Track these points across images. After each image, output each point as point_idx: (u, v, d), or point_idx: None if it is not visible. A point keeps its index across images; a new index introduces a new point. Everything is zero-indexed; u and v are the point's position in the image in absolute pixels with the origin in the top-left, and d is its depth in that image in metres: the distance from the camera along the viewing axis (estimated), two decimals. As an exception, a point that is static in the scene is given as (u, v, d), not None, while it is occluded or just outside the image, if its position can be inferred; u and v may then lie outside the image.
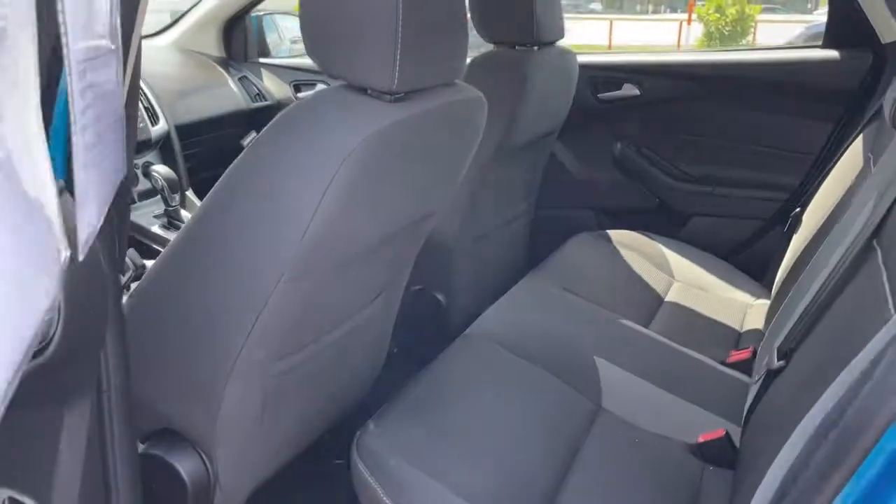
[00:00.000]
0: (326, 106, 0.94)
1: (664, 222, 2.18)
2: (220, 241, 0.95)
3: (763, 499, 0.81)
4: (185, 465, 1.06)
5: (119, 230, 0.83)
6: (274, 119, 0.94)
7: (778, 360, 1.15)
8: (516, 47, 1.73)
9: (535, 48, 1.75)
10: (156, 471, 1.05)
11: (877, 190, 1.16)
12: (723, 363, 1.56)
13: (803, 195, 1.92)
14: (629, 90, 2.12)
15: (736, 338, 1.72)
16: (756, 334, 1.69)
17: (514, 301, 1.64)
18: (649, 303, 1.80)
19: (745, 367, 1.54)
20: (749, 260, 2.07)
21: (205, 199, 0.96)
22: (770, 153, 2.01)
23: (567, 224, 2.27)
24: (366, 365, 1.41)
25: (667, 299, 1.84)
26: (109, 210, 0.68)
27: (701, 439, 1.27)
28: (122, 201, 0.83)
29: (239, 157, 0.94)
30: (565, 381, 1.34)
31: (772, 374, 1.17)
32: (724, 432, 1.26)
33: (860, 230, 1.10)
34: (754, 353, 1.57)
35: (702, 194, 2.09)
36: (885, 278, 0.90)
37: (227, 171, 0.95)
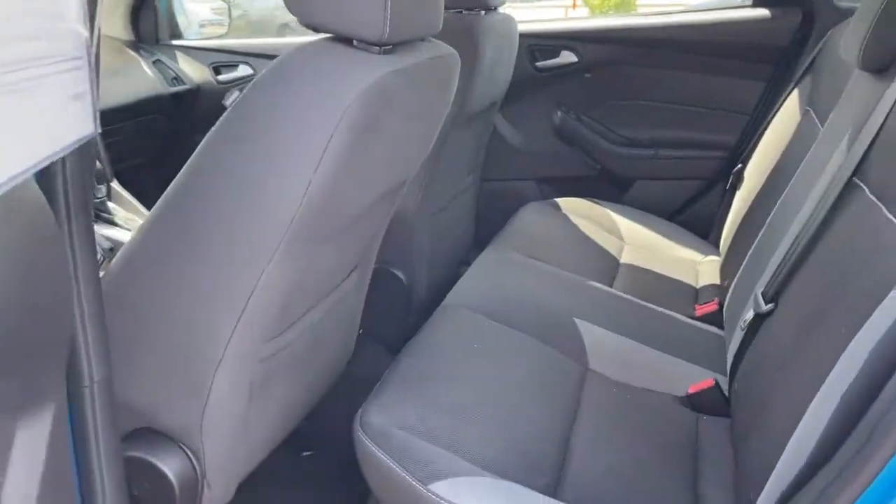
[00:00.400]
0: (321, 58, 0.86)
1: (608, 188, 2.20)
2: (210, 207, 0.86)
3: (791, 461, 0.80)
4: (171, 466, 0.96)
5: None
6: (263, 74, 0.86)
7: (766, 304, 1.16)
8: (463, 12, 1.68)
9: (483, 13, 1.71)
10: (139, 474, 0.95)
11: (847, 132, 1.19)
12: (692, 317, 1.59)
13: (742, 152, 1.97)
14: (567, 57, 2.12)
15: (693, 294, 1.75)
16: (713, 289, 1.73)
17: (484, 270, 1.60)
18: (607, 266, 1.80)
19: (713, 319, 1.57)
20: (693, 219, 2.11)
21: (187, 166, 0.87)
22: (707, 113, 2.05)
23: (511, 196, 2.25)
24: (339, 347, 1.34)
25: (622, 261, 1.86)
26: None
27: (691, 390, 1.27)
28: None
29: (225, 115, 0.85)
30: (550, 346, 1.32)
31: (759, 319, 1.19)
32: (713, 381, 1.27)
33: (837, 170, 1.12)
34: (720, 305, 1.60)
35: (643, 158, 2.12)
36: (886, 211, 0.91)
37: (211, 132, 0.85)
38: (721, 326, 1.52)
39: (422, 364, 1.18)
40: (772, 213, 1.44)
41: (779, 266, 1.18)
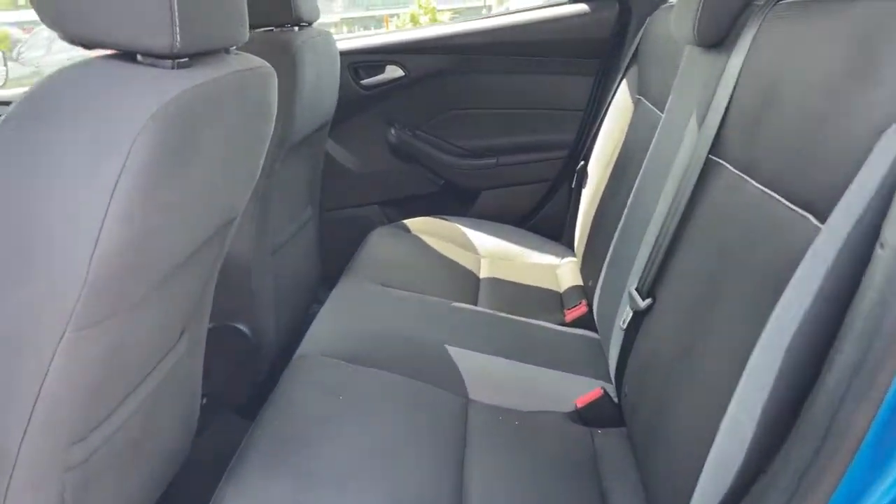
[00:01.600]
0: (93, 81, 0.68)
1: (455, 202, 2.11)
2: None
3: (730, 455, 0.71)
4: None
5: None
6: (12, 109, 0.66)
7: (643, 299, 1.10)
8: (274, 29, 1.53)
9: (296, 28, 1.56)
10: None
11: (692, 111, 1.16)
12: (563, 324, 1.51)
13: (582, 149, 1.95)
14: (393, 72, 2.01)
15: (559, 299, 1.69)
16: (577, 291, 1.67)
17: (337, 308, 1.44)
18: (468, 283, 1.70)
19: (584, 322, 1.50)
20: (544, 223, 2.07)
21: None
22: (542, 114, 2.02)
23: (355, 223, 2.11)
24: (180, 424, 1.13)
25: (482, 276, 1.76)
26: None
27: (579, 404, 1.18)
28: None
29: None
30: (424, 381, 1.18)
31: (639, 317, 1.12)
32: (601, 391, 1.19)
33: (693, 152, 1.08)
34: (589, 307, 1.54)
35: (485, 167, 2.05)
36: (757, 184, 0.86)
37: None
38: (594, 329, 1.46)
39: (282, 429, 1.01)
40: (627, 207, 1.40)
41: (649, 259, 1.12)
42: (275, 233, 1.58)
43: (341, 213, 2.12)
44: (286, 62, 1.43)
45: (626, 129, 1.70)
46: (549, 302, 1.66)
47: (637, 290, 1.13)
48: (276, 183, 1.50)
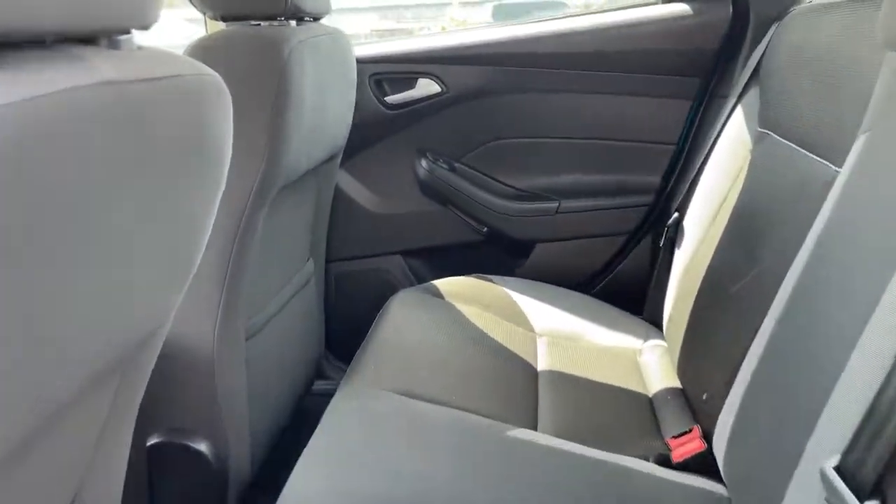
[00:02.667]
0: None
1: (501, 257, 1.64)
2: None
3: None
4: None
5: None
6: None
7: (865, 502, 0.61)
8: (261, 24, 1.08)
9: (292, 23, 1.11)
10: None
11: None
12: (667, 463, 1.03)
13: (672, 196, 1.48)
14: (427, 87, 1.55)
15: (648, 405, 1.22)
16: (677, 401, 1.19)
17: (337, 442, 0.97)
18: (523, 383, 1.23)
19: (702, 463, 1.02)
20: (615, 289, 1.59)
21: None
22: (619, 148, 1.55)
23: (370, 279, 1.66)
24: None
25: (540, 367, 1.29)
26: None
27: None
28: None
29: None
30: None
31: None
32: None
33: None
34: (705, 438, 1.05)
35: (542, 213, 1.57)
36: None
37: None
38: (717, 475, 0.98)
39: None
40: (783, 311, 0.91)
41: (865, 425, 0.64)
42: (253, 309, 1.12)
43: (354, 266, 1.66)
44: (273, 67, 0.97)
45: (743, 174, 1.23)
46: (637, 415, 1.18)
47: (841, 471, 0.65)
48: (254, 239, 1.04)
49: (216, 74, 0.55)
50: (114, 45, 0.47)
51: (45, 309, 0.40)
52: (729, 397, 0.97)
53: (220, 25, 1.31)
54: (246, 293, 1.07)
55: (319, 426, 1.01)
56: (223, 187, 0.60)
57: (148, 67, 0.46)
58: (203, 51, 0.98)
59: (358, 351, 1.26)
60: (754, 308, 0.99)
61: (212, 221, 0.61)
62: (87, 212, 0.41)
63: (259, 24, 1.08)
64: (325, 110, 1.17)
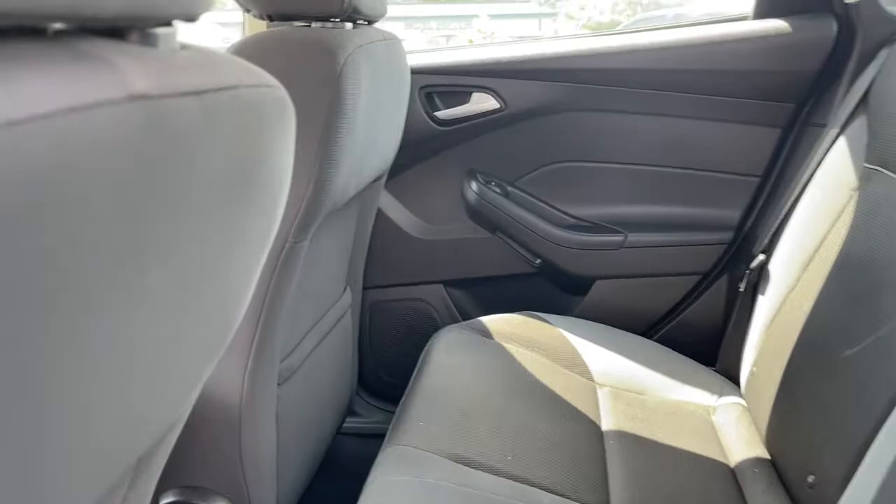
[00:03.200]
0: None
1: (553, 293, 1.49)
2: None
3: None
4: None
5: None
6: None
7: None
8: (312, 24, 0.94)
9: (349, 25, 0.97)
10: None
11: None
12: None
13: (754, 235, 1.32)
14: (482, 102, 1.41)
15: (730, 477, 1.06)
16: (762, 470, 1.04)
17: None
18: (588, 446, 1.07)
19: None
20: (684, 335, 1.43)
21: None
22: (695, 178, 1.39)
23: (409, 310, 1.51)
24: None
25: (605, 426, 1.13)
26: None
27: None
28: None
29: None
30: None
31: None
32: None
33: None
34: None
35: (605, 247, 1.42)
36: None
37: None
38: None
39: None
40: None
41: None
42: (286, 349, 0.98)
43: (389, 293, 1.51)
44: (328, 76, 0.83)
45: (847, 215, 1.07)
46: (720, 490, 1.02)
47: None
48: (293, 273, 0.89)
49: (279, 86, 0.41)
50: (148, 40, 0.33)
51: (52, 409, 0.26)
52: (850, 490, 0.81)
53: (261, 26, 1.17)
54: (281, 333, 0.92)
55: (365, 496, 0.86)
56: (279, 222, 0.46)
57: (195, 75, 0.32)
58: (261, 43, 0.85)
59: (402, 399, 1.11)
60: (879, 380, 0.84)
61: (259, 270, 0.47)
62: (103, 279, 0.27)
63: (309, 25, 0.94)
64: (378, 126, 1.03)
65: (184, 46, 0.36)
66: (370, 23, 1.06)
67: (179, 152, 0.30)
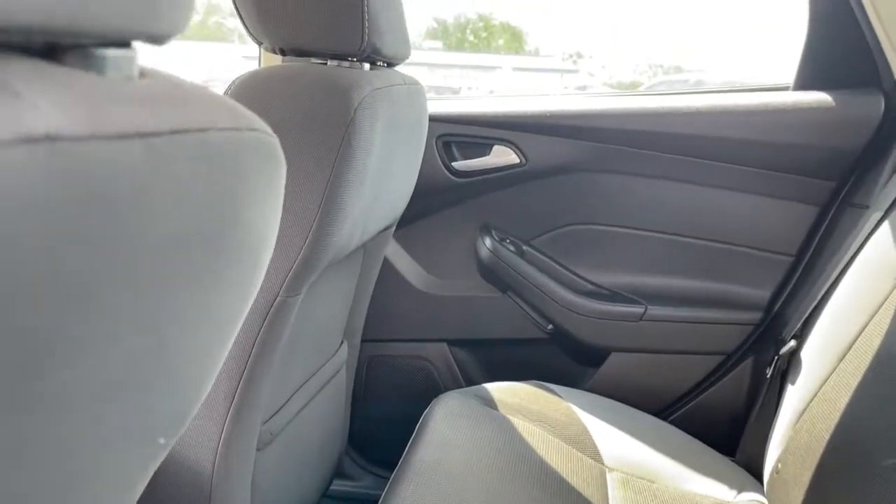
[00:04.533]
0: None
1: (564, 363, 1.40)
2: None
3: None
4: None
5: None
6: None
7: None
8: (328, 62, 0.87)
9: (366, 66, 0.90)
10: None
11: None
12: None
13: (783, 318, 1.23)
14: (503, 156, 1.34)
15: None
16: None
17: None
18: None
19: None
20: (703, 419, 1.33)
21: None
22: (724, 252, 1.31)
23: (408, 367, 1.42)
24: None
25: (614, 520, 1.03)
26: None
27: None
28: None
29: None
30: None
31: None
32: None
33: None
34: None
35: (623, 317, 1.33)
36: None
37: None
38: None
39: None
40: None
41: None
42: (270, 411, 0.89)
43: (388, 348, 1.42)
44: (340, 118, 0.76)
45: (891, 306, 0.98)
46: None
47: None
48: (283, 330, 0.81)
49: (266, 129, 0.33)
50: (91, 64, 0.25)
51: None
52: None
53: (277, 61, 1.11)
54: (264, 395, 0.83)
55: None
56: (256, 292, 0.38)
57: (145, 112, 0.24)
58: (251, 90, 0.77)
59: (395, 471, 1.01)
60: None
61: (231, 340, 0.38)
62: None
63: (325, 63, 0.87)
64: (390, 176, 0.95)
65: (145, 74, 0.28)
66: (391, 65, 0.99)
67: (109, 211, 0.22)
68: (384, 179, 0.92)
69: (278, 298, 0.76)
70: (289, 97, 0.77)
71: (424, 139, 1.12)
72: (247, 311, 0.38)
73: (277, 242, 0.74)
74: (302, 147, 0.76)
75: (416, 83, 1.04)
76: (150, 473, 0.39)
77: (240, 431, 0.81)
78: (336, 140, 0.77)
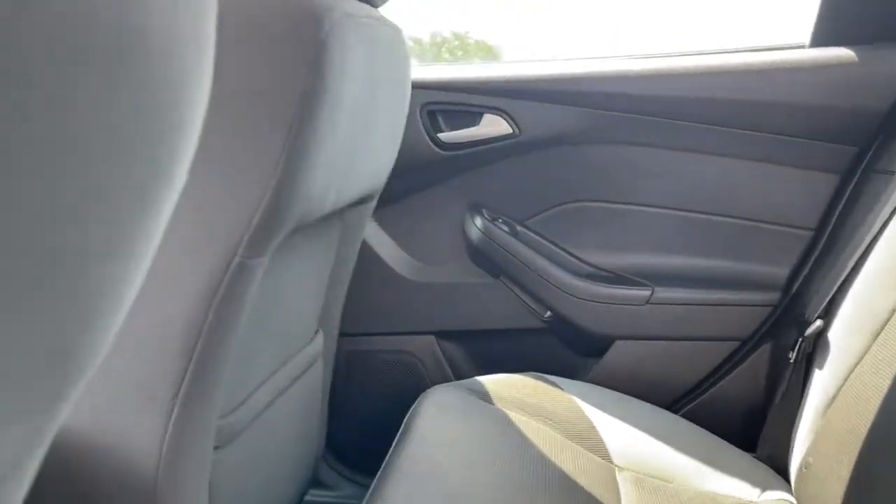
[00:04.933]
0: None
1: (564, 353, 1.28)
2: None
3: None
4: None
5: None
6: None
7: None
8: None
9: (341, -2, 0.78)
10: None
11: None
12: None
13: (804, 297, 1.12)
14: (494, 125, 1.22)
15: None
16: None
17: None
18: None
19: None
20: (718, 411, 1.21)
21: None
22: (737, 228, 1.20)
23: (392, 363, 1.30)
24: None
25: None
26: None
27: None
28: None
29: None
30: None
31: None
32: None
33: None
34: None
35: (628, 301, 1.21)
36: None
37: None
38: None
39: None
40: None
41: None
42: (230, 404, 0.75)
43: (369, 343, 1.30)
44: (307, 41, 0.64)
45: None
46: None
47: None
48: (241, 304, 0.68)
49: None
50: None
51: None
52: None
53: None
54: (222, 382, 0.70)
55: None
56: (181, 173, 0.25)
57: None
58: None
59: (379, 472, 0.88)
60: None
61: (146, 255, 0.26)
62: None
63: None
64: (370, 132, 0.83)
65: None
66: (372, 4, 0.87)
67: None
68: (363, 130, 0.80)
69: (236, 258, 0.63)
70: (247, 21, 0.65)
71: (408, 96, 1.00)
72: (163, 195, 0.25)
73: (234, 186, 0.62)
74: (263, 80, 0.64)
75: (398, 29, 0.92)
76: (36, 463, 0.27)
77: (190, 423, 0.67)
78: (302, 70, 0.64)
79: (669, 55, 1.20)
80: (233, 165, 0.61)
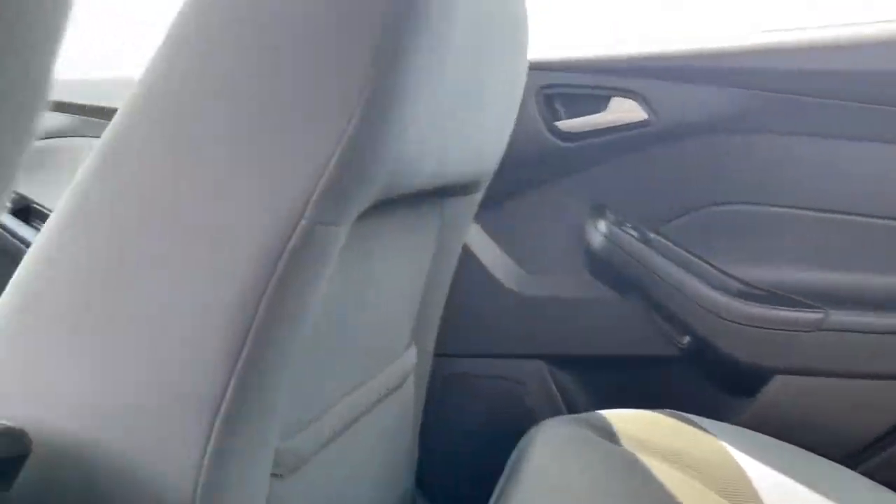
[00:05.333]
0: None
1: (707, 388, 1.07)
2: None
3: None
4: None
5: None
6: None
7: None
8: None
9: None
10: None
11: None
12: None
13: None
14: (624, 111, 1.03)
15: None
16: None
17: None
18: None
19: None
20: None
21: None
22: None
23: (495, 390, 1.13)
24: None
25: None
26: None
27: None
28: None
29: None
30: None
31: None
32: None
33: None
34: None
35: (792, 326, 0.99)
36: None
37: None
38: None
39: None
40: None
41: None
42: (293, 425, 0.60)
43: (469, 366, 1.13)
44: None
45: None
46: None
47: None
48: (308, 294, 0.52)
49: None
50: None
51: None
52: None
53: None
54: (282, 391, 0.54)
55: None
56: None
57: None
58: None
59: None
60: None
61: None
62: None
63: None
64: (479, 93, 0.67)
65: None
66: None
67: None
68: (473, 90, 0.64)
69: (303, 221, 0.47)
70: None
71: (524, 62, 0.83)
72: None
73: (295, 143, 0.47)
74: (337, 6, 0.48)
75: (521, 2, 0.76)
76: None
77: (238, 443, 0.51)
78: (401, 25, 0.49)
79: (846, 24, 0.98)
80: (299, 117, 0.47)
